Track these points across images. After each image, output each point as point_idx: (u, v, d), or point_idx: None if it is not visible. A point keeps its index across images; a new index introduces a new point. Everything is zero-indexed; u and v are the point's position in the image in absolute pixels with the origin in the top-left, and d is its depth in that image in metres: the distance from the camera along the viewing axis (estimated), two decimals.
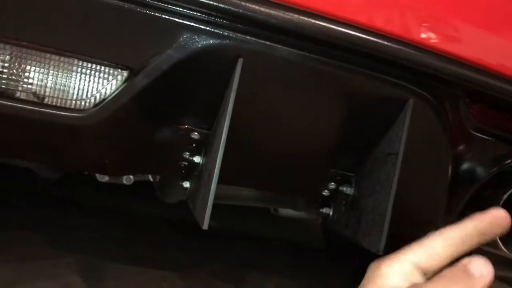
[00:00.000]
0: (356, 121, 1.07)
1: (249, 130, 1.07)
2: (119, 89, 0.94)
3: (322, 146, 1.13)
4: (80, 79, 0.94)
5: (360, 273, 0.48)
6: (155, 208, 2.28)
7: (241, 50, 0.91)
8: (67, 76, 0.94)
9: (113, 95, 0.95)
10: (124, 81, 0.94)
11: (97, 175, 1.38)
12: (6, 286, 1.24)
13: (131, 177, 1.42)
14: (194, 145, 1.11)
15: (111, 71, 0.94)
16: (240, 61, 0.91)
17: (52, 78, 0.93)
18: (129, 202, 2.37)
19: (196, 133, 1.08)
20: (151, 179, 1.51)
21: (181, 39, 0.90)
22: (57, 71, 0.93)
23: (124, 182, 1.42)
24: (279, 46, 0.92)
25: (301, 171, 1.18)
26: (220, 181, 0.92)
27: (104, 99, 0.95)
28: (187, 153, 1.13)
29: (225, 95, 0.96)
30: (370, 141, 1.10)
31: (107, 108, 0.95)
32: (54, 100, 0.93)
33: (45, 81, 0.93)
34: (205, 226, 0.91)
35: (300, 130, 1.08)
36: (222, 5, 0.87)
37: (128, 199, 2.36)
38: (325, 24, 0.90)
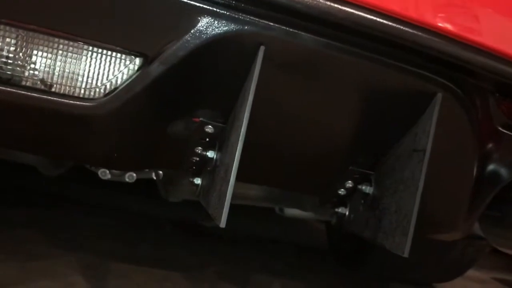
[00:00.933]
0: (379, 115, 1.01)
1: (267, 124, 1.01)
2: (132, 77, 0.89)
3: (342, 142, 1.07)
4: (90, 66, 0.88)
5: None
6: (158, 207, 2.23)
7: (263, 37, 0.86)
8: (76, 62, 0.88)
9: (125, 83, 0.89)
10: (138, 69, 0.89)
11: (99, 172, 1.32)
12: (10, 285, 1.18)
13: (134, 174, 1.35)
14: (207, 139, 1.05)
15: (123, 58, 0.88)
16: (262, 48, 0.86)
17: (61, 65, 0.88)
18: (132, 200, 2.32)
19: (210, 126, 1.03)
20: (154, 177, 1.45)
21: (199, 24, 0.85)
22: (66, 57, 0.87)
23: (127, 180, 1.35)
24: (303, 33, 0.87)
25: (319, 168, 1.13)
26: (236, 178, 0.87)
27: (115, 88, 0.89)
28: (200, 147, 1.07)
29: (245, 86, 0.91)
30: (393, 137, 1.04)
31: (118, 98, 0.89)
32: (63, 88, 0.88)
33: (53, 67, 0.88)
34: (222, 223, 0.85)
35: (320, 124, 1.03)
36: None
37: (130, 197, 2.31)
38: (352, 10, 0.85)
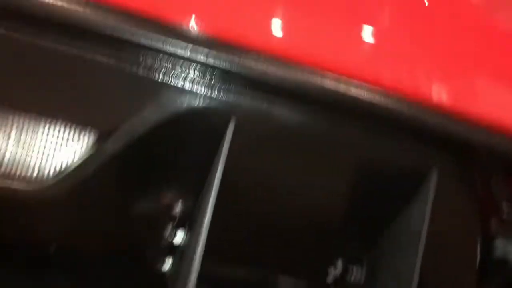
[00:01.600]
0: (370, 194, 0.90)
1: (242, 203, 0.90)
2: (85, 155, 0.78)
3: (328, 223, 0.96)
4: (36, 143, 0.77)
5: None
6: None
7: (233, 111, 0.76)
8: (19, 139, 0.77)
9: (77, 163, 0.78)
10: (92, 146, 0.78)
11: None
12: None
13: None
14: (176, 219, 0.93)
15: (75, 134, 0.77)
16: (232, 123, 0.76)
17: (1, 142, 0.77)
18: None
19: (179, 205, 0.91)
20: None
21: (160, 99, 0.75)
22: (8, 133, 0.77)
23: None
24: (279, 106, 0.77)
25: (302, 252, 1.01)
26: (207, 260, 0.76)
27: (66, 168, 0.78)
28: (168, 230, 0.95)
29: (214, 161, 0.80)
30: (386, 218, 0.93)
31: (69, 179, 0.78)
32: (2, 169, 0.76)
33: None
34: None
35: (302, 204, 0.91)
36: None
37: None
38: (333, 83, 0.75)
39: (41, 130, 0.77)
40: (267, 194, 0.90)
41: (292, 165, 0.85)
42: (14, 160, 0.77)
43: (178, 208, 0.91)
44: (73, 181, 0.77)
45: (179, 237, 0.94)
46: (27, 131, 0.77)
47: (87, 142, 0.77)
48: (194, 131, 0.78)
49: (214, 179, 0.77)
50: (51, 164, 0.78)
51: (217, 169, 0.76)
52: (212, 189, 0.77)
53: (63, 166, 0.78)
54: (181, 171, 0.86)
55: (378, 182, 0.89)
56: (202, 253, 0.78)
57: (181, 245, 0.94)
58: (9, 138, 0.77)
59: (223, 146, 0.75)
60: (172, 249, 0.98)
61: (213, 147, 0.77)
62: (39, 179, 0.78)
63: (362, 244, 0.98)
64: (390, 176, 0.87)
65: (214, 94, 0.74)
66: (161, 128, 0.76)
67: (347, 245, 0.99)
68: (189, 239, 0.91)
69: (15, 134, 0.77)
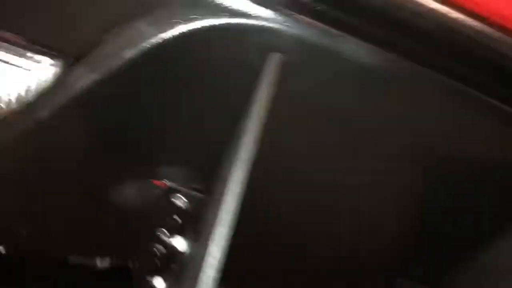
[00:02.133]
0: (462, 200, 0.61)
1: (274, 194, 0.61)
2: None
3: (391, 235, 0.67)
4: None
5: None
6: None
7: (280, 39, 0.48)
8: None
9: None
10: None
11: None
12: None
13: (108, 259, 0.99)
14: (177, 216, 0.65)
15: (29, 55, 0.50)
16: (276, 56, 0.48)
17: None
18: None
19: (180, 195, 0.63)
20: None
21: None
22: None
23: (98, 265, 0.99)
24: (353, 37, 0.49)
25: (353, 275, 0.71)
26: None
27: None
28: (164, 230, 0.67)
29: (242, 121, 0.52)
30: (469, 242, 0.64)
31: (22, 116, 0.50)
32: None
33: None
34: None
35: (361, 207, 0.62)
36: None
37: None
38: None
39: None
40: (316, 193, 0.62)
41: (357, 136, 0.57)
42: None
43: (179, 201, 0.63)
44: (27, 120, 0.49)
45: (179, 243, 0.65)
46: None
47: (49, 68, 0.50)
48: (213, 63, 0.50)
49: (241, 153, 0.49)
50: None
51: (248, 133, 0.48)
52: (237, 169, 0.48)
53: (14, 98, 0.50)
54: (185, 136, 0.58)
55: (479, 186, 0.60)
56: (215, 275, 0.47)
57: (179, 256, 0.65)
58: None
59: (261, 94, 0.48)
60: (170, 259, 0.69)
61: (245, 95, 0.49)
62: None
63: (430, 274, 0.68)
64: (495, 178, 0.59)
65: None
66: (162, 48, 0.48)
67: (410, 272, 0.70)
68: (195, 246, 0.63)
69: None
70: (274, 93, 0.47)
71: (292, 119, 0.52)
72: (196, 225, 0.64)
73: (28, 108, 0.48)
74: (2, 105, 0.50)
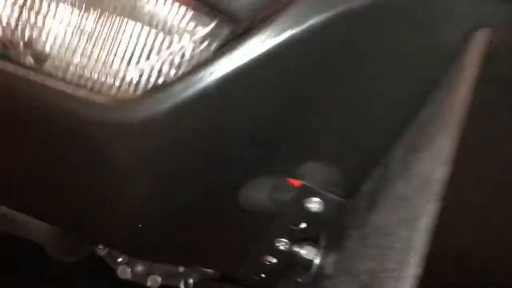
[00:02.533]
0: None
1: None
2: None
3: None
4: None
5: None
6: None
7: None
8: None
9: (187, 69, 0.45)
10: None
11: (118, 270, 0.93)
12: None
13: (158, 279, 0.94)
14: (306, 224, 0.57)
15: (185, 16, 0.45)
16: (481, 33, 0.41)
17: None
18: None
19: (317, 199, 0.55)
20: (182, 286, 0.99)
21: None
22: None
23: (149, 283, 0.95)
24: None
25: None
26: None
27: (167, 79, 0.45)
28: (285, 239, 0.59)
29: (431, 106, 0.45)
30: None
31: (169, 97, 0.44)
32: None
33: None
34: None
35: None
36: None
37: None
38: None
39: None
40: None
41: None
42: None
43: (314, 205, 0.56)
44: (176, 100, 0.43)
45: (308, 253, 0.57)
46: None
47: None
48: (388, 46, 0.44)
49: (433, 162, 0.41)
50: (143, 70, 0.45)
51: (441, 136, 0.41)
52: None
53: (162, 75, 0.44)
54: (338, 133, 0.51)
55: None
56: None
57: (312, 269, 0.57)
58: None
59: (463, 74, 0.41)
60: (284, 272, 0.61)
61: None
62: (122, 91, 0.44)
63: None
64: None
65: None
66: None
67: None
68: (327, 262, 0.55)
69: None
70: (476, 83, 0.40)
71: (500, 116, 0.45)
72: (333, 233, 0.57)
73: (192, 77, 0.42)
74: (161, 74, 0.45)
